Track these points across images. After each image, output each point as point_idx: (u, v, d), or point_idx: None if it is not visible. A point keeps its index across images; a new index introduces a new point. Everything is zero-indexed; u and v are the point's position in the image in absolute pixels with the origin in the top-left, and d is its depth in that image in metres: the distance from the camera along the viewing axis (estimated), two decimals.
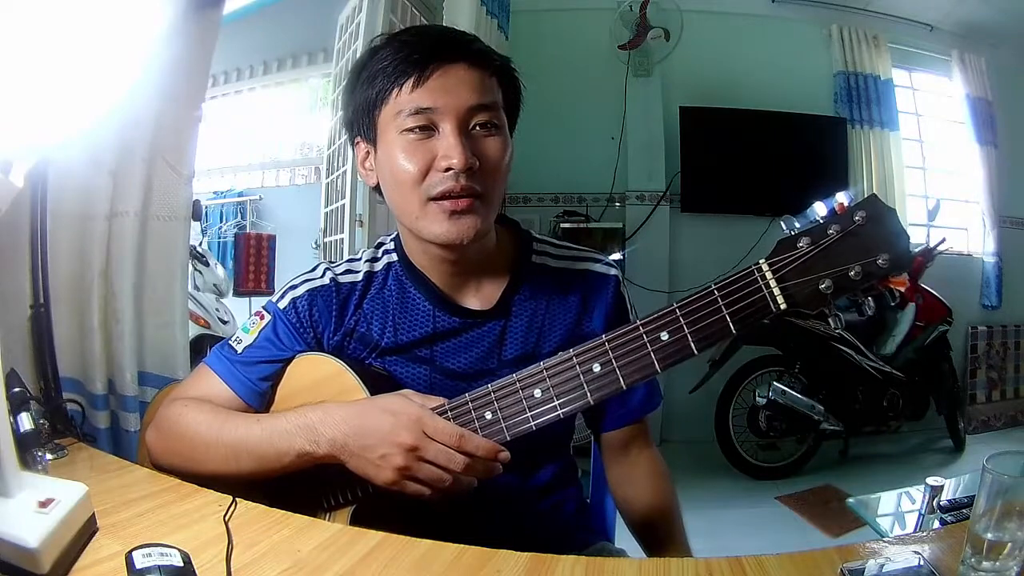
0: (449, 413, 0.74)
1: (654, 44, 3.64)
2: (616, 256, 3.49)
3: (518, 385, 0.72)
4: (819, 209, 0.66)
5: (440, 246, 0.81)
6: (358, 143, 0.86)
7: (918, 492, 1.49)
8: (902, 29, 3.82)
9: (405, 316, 0.88)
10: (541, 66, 3.29)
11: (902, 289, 3.14)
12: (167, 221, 1.41)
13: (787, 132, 3.62)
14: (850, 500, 1.84)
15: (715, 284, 0.66)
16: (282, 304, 0.88)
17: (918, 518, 1.41)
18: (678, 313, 0.67)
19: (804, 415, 3.00)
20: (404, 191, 0.79)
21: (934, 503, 1.32)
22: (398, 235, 0.92)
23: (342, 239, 2.71)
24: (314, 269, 0.91)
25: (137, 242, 1.36)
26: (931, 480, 1.35)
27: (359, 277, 0.89)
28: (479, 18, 2.57)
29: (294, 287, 0.89)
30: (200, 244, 3.97)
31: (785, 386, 3.00)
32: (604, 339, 0.69)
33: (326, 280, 0.88)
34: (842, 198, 0.67)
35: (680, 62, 3.68)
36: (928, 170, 4.02)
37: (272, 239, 3.86)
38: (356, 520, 0.80)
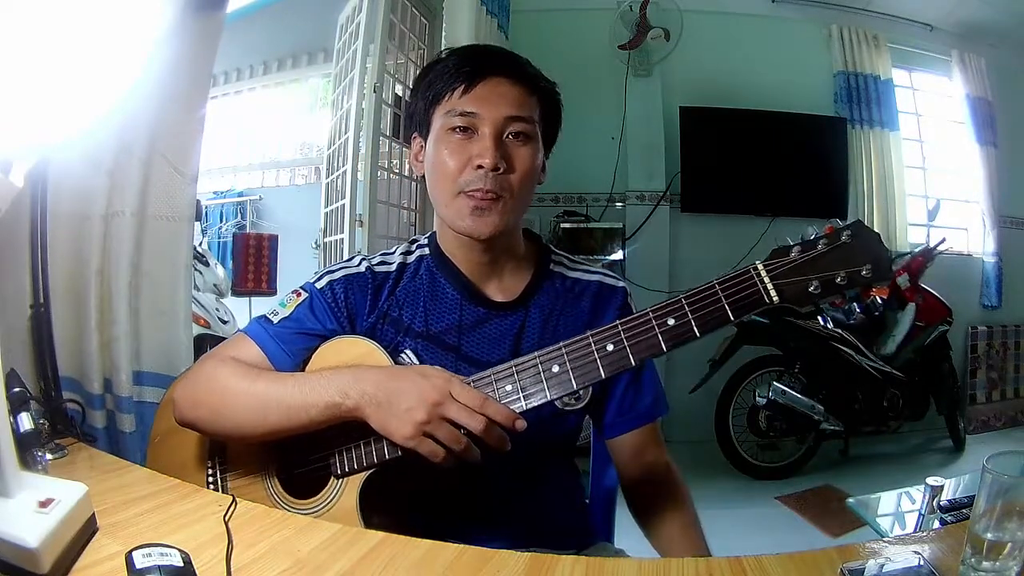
0: (472, 384, 0.79)
1: (654, 44, 3.64)
2: (616, 256, 3.49)
3: (538, 360, 0.78)
4: (810, 230, 0.76)
5: (467, 237, 0.90)
6: (415, 138, 0.97)
7: (918, 492, 1.49)
8: (902, 29, 3.82)
9: (435, 304, 0.95)
10: (541, 66, 3.27)
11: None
12: (170, 221, 1.41)
13: (787, 132, 3.62)
14: (850, 500, 1.83)
15: (716, 280, 0.75)
16: (320, 284, 0.94)
17: (918, 518, 1.41)
18: (684, 302, 0.75)
19: (804, 415, 3.00)
20: (441, 181, 0.90)
21: (934, 503, 1.32)
22: (433, 233, 1.00)
23: (342, 239, 2.71)
24: (351, 259, 0.98)
25: (134, 243, 1.36)
26: (931, 480, 1.35)
27: (393, 268, 0.97)
28: (479, 18, 2.57)
29: (332, 272, 0.96)
30: (200, 244, 3.98)
31: (785, 386, 3.00)
32: (618, 323, 0.76)
33: (362, 268, 0.96)
34: (831, 224, 0.76)
35: (680, 62, 3.68)
36: (928, 170, 4.03)
37: (274, 239, 3.86)
38: (366, 490, 0.83)
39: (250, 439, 0.87)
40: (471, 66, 0.89)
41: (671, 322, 0.75)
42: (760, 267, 0.74)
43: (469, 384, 0.78)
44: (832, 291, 0.72)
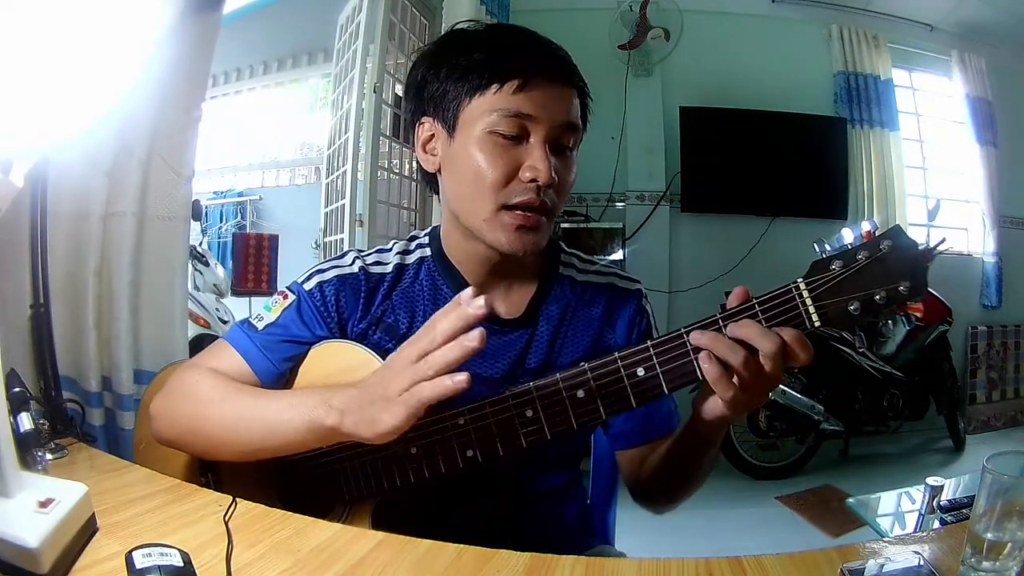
0: (488, 406, 0.74)
1: (654, 44, 3.64)
2: (616, 256, 3.49)
3: (561, 385, 0.71)
4: (847, 235, 0.70)
5: (497, 252, 0.81)
6: (423, 122, 0.84)
7: (918, 492, 1.50)
8: (902, 29, 3.82)
9: (435, 312, 0.87)
10: None
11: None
12: (166, 221, 1.41)
13: (787, 132, 3.62)
14: (850, 500, 1.84)
15: (756, 299, 0.68)
16: (308, 285, 0.86)
17: (918, 518, 1.42)
18: (721, 324, 0.68)
19: (804, 415, 3.00)
20: (480, 192, 0.78)
21: (934, 503, 1.32)
22: (433, 229, 0.91)
23: (342, 239, 2.71)
24: (343, 256, 0.89)
25: (134, 242, 1.36)
26: (931, 480, 1.35)
27: (388, 268, 0.88)
28: (479, 18, 2.57)
29: (321, 271, 0.87)
30: (200, 244, 3.98)
31: (785, 386, 3.00)
32: (649, 344, 0.70)
33: (355, 268, 0.87)
34: (867, 226, 0.69)
35: (680, 62, 3.68)
36: (928, 170, 4.03)
37: (274, 239, 3.86)
38: (377, 516, 0.80)
39: (229, 458, 0.81)
40: (527, 58, 0.77)
41: None
42: (802, 285, 0.67)
43: (484, 406, 0.73)
44: (871, 311, 0.67)
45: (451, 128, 0.80)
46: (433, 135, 0.83)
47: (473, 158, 0.78)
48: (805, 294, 0.67)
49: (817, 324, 0.67)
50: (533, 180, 0.76)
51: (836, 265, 0.67)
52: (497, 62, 0.77)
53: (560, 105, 0.78)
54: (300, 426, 0.72)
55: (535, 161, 0.76)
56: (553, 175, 0.76)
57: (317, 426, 0.71)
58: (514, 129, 0.77)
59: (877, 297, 0.66)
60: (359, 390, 0.69)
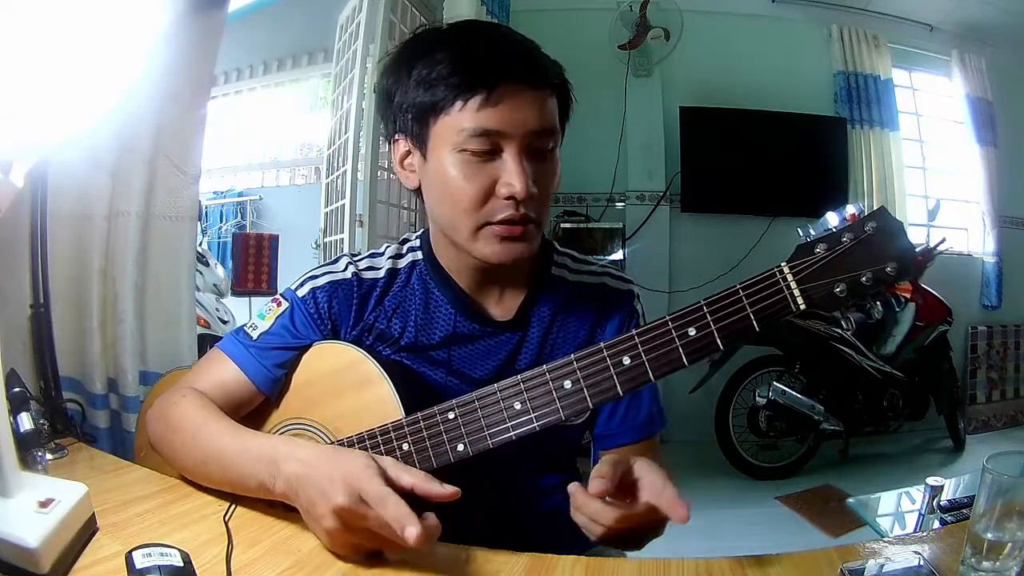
0: (477, 401, 0.74)
1: (654, 44, 3.64)
2: (616, 256, 3.49)
3: (548, 376, 0.72)
4: (831, 219, 0.69)
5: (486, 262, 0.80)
6: (397, 140, 0.82)
7: (918, 492, 1.50)
8: (902, 29, 3.83)
9: (427, 317, 0.87)
10: None
11: (907, 295, 3.20)
12: (173, 221, 1.41)
13: (787, 132, 3.62)
14: (850, 500, 1.84)
15: (740, 284, 0.68)
16: (301, 292, 0.87)
17: (918, 518, 1.42)
18: (705, 310, 0.68)
19: (804, 415, 3.00)
20: (458, 213, 0.76)
21: (934, 503, 1.32)
22: (424, 232, 0.90)
23: (342, 239, 2.71)
24: (336, 261, 0.89)
25: (139, 242, 1.36)
26: (931, 480, 1.35)
27: (381, 274, 0.88)
28: (479, 18, 2.57)
29: (314, 277, 0.87)
30: (200, 244, 3.98)
31: (785, 386, 3.00)
32: (634, 333, 0.70)
33: (348, 274, 0.87)
34: (852, 209, 0.70)
35: (680, 62, 3.68)
36: (928, 170, 4.03)
37: (274, 239, 3.86)
38: None
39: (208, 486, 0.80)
40: (487, 67, 0.72)
41: (692, 333, 0.68)
42: (786, 269, 0.67)
43: (473, 401, 0.72)
44: (858, 293, 0.67)
45: (423, 147, 0.78)
46: (409, 152, 0.82)
47: (448, 179, 0.76)
48: (789, 277, 0.67)
49: (802, 307, 0.67)
50: (510, 196, 0.74)
51: (821, 248, 0.67)
52: (458, 75, 0.73)
53: (532, 112, 0.74)
54: (253, 482, 0.71)
55: (510, 177, 0.73)
56: (531, 188, 0.74)
57: (267, 490, 0.70)
58: (485, 146, 0.74)
59: (863, 279, 0.66)
60: (309, 467, 0.66)
